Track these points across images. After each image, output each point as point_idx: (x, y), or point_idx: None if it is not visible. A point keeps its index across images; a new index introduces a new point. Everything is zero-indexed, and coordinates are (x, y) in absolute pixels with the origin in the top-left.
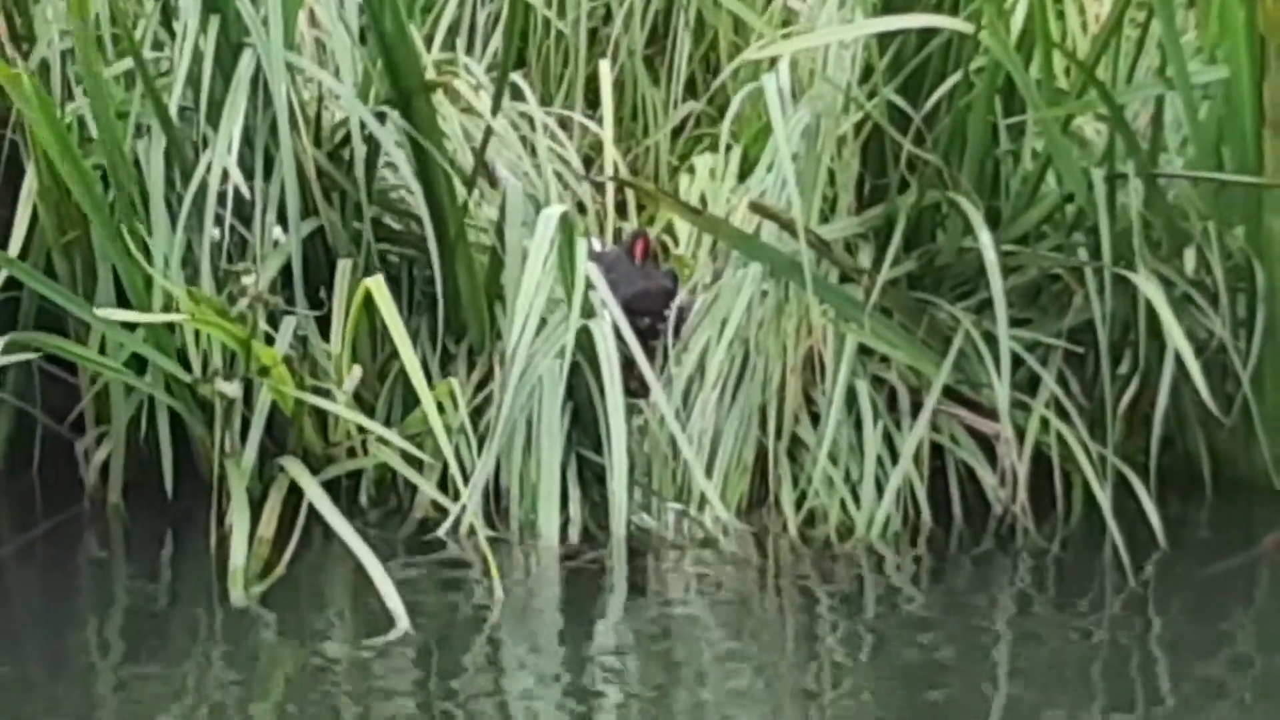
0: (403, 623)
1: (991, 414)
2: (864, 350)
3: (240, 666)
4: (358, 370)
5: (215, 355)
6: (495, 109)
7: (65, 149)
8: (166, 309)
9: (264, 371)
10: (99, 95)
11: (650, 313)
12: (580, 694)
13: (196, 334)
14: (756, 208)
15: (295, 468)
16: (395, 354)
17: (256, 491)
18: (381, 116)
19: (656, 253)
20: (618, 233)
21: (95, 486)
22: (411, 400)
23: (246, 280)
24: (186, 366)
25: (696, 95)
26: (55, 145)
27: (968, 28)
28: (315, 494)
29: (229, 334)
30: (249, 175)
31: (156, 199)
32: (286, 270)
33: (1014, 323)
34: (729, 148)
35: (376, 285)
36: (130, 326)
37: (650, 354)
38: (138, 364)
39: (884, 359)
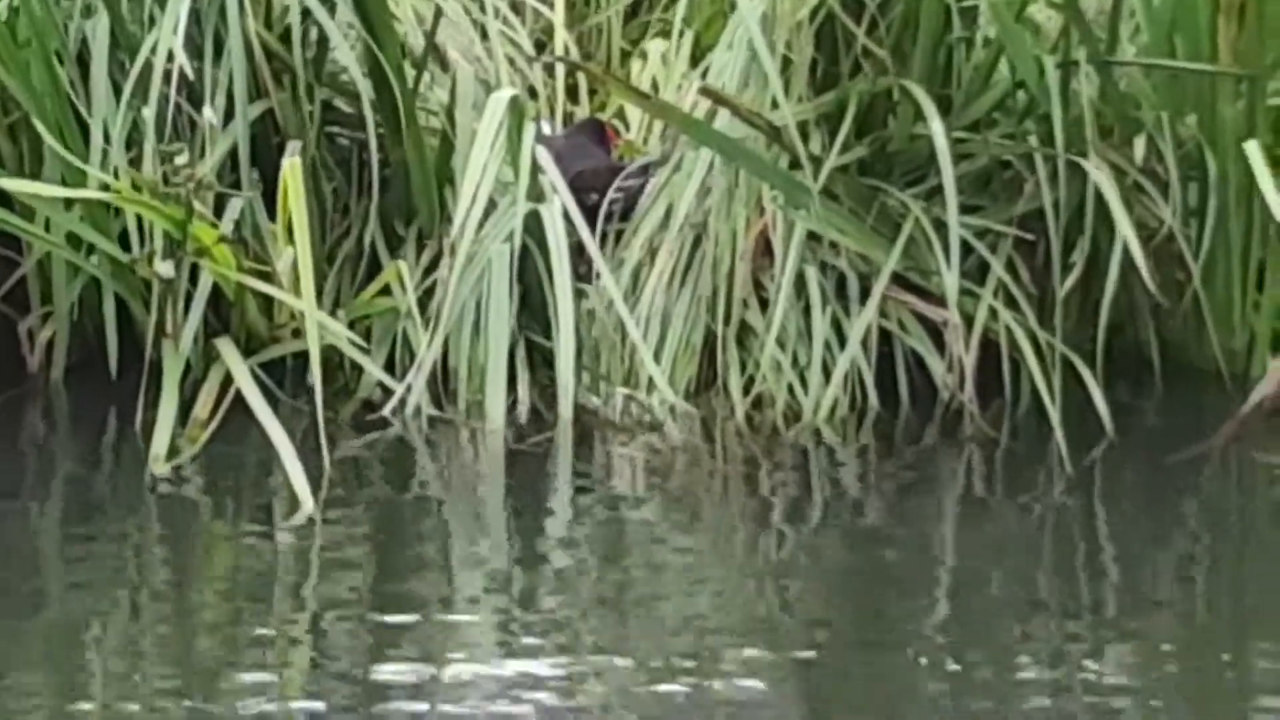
0: (307, 505)
1: (940, 301)
2: (813, 236)
3: (152, 543)
4: (290, 251)
5: (157, 237)
6: None
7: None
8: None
9: (201, 253)
10: None
11: (596, 190)
12: (521, 570)
13: (139, 216)
14: (708, 92)
15: (227, 348)
16: (345, 235)
17: (200, 372)
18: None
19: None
20: (568, 116)
21: (39, 365)
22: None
23: (179, 160)
24: (129, 248)
25: None
26: None
27: None
28: (241, 375)
29: (161, 215)
30: (199, 56)
31: (99, 78)
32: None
33: (964, 210)
34: (681, 33)
35: (292, 169)
36: (67, 206)
37: (600, 238)
38: (88, 250)
39: (833, 245)
